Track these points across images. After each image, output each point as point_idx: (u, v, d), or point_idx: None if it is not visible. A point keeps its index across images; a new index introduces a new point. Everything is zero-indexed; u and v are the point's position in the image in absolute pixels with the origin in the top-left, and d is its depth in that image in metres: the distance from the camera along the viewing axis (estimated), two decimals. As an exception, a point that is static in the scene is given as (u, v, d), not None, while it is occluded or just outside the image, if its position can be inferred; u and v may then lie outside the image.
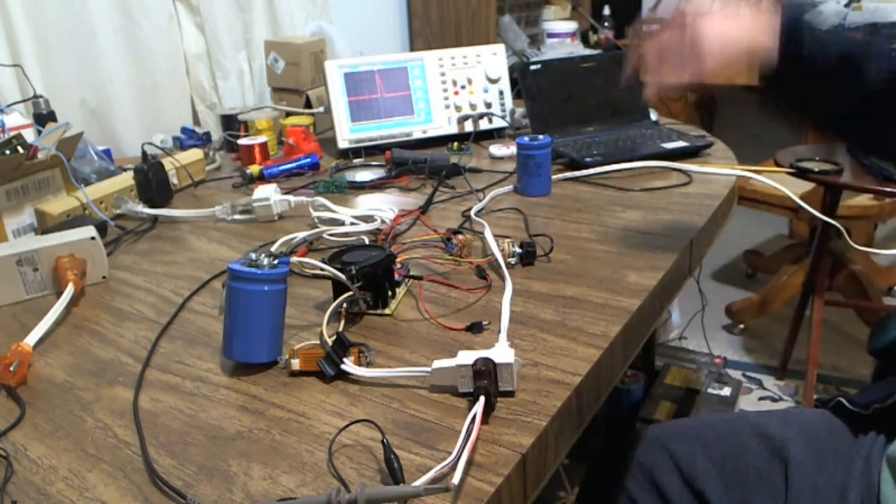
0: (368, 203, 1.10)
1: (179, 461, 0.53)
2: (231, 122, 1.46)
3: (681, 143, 1.22)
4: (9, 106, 1.19)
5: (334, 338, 0.63)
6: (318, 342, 0.64)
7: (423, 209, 1.02)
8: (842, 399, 0.80)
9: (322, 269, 0.69)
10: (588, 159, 1.16)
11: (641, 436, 0.93)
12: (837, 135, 0.76)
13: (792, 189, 1.09)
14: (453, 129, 1.39)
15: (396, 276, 0.76)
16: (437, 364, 0.59)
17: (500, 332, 0.66)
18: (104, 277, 0.88)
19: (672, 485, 0.83)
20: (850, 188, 1.65)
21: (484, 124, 1.41)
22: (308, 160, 1.27)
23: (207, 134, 1.47)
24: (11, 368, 0.65)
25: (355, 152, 1.35)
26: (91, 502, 0.50)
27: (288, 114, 1.51)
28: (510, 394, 0.58)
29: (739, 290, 2.53)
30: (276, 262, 0.65)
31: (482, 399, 0.53)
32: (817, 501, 0.73)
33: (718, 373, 1.93)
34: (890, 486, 0.68)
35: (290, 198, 1.05)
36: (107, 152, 1.28)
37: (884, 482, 0.68)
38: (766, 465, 0.79)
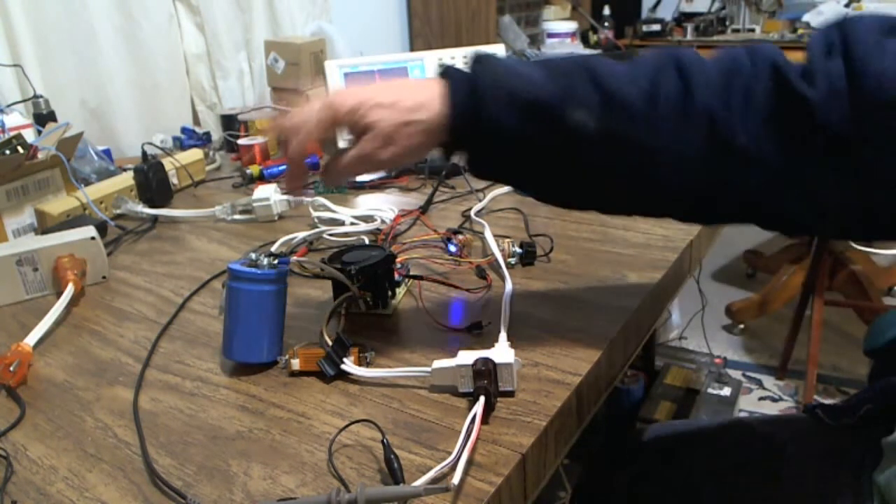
0: (368, 203, 1.10)
1: (179, 461, 0.53)
2: (231, 122, 1.46)
3: (681, 143, 1.22)
4: (9, 106, 1.19)
5: (334, 338, 0.63)
6: (318, 342, 0.64)
7: (423, 209, 1.02)
8: (818, 410, 0.80)
9: (322, 269, 0.69)
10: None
11: (640, 436, 0.93)
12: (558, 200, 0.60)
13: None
14: (453, 129, 1.39)
15: (396, 276, 0.76)
16: (437, 364, 0.59)
17: (500, 332, 0.66)
18: (104, 277, 0.88)
19: (671, 485, 0.83)
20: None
21: (484, 124, 1.41)
22: (308, 160, 1.26)
23: (207, 134, 1.47)
24: (11, 368, 0.64)
25: (355, 152, 1.35)
26: (91, 502, 0.50)
27: (288, 114, 1.50)
28: (510, 394, 0.58)
29: (739, 290, 2.53)
30: (276, 262, 0.65)
31: (482, 399, 0.53)
32: None
33: (718, 373, 1.93)
34: None
35: (291, 198, 1.05)
36: (107, 152, 1.28)
37: None
38: (762, 468, 0.79)
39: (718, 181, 0.50)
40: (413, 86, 0.56)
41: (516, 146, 0.53)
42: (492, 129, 0.52)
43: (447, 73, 0.55)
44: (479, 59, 0.54)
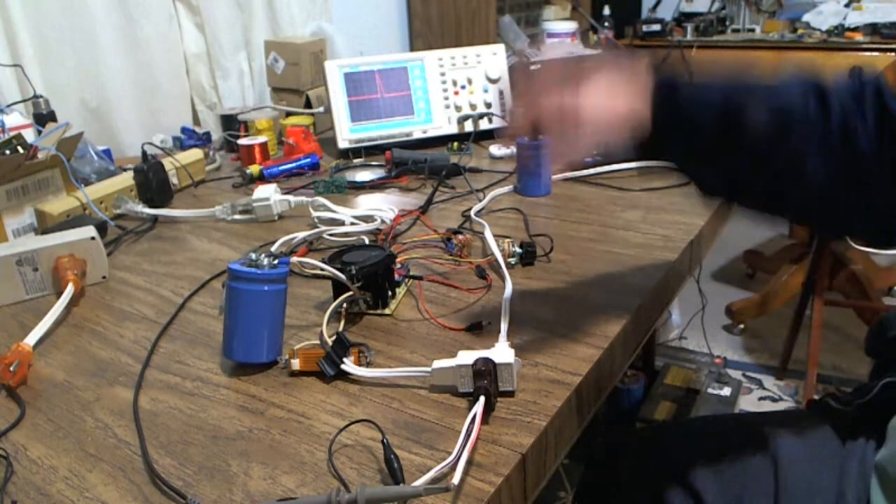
0: (368, 203, 1.10)
1: (179, 461, 0.53)
2: (231, 122, 1.46)
3: (681, 143, 1.22)
4: (9, 106, 1.19)
5: (334, 338, 0.63)
6: (318, 342, 0.64)
7: (423, 209, 1.02)
8: (828, 398, 0.81)
9: (322, 269, 0.69)
10: (588, 159, 1.16)
11: (639, 436, 0.93)
12: (726, 194, 0.68)
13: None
14: (453, 129, 1.39)
15: (396, 276, 0.76)
16: (437, 364, 0.59)
17: (500, 332, 0.66)
18: (104, 277, 0.88)
19: (670, 485, 0.83)
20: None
21: (484, 124, 1.41)
22: (308, 160, 1.27)
23: (207, 134, 1.47)
24: (11, 368, 0.64)
25: (355, 152, 1.35)
26: (91, 502, 0.50)
27: (288, 114, 1.51)
28: (510, 394, 0.58)
29: (739, 290, 2.53)
30: (276, 262, 0.65)
31: (482, 399, 0.53)
32: (812, 502, 0.73)
33: (718, 373, 1.93)
34: (878, 494, 0.68)
35: (290, 198, 1.05)
36: (107, 152, 1.28)
37: (873, 489, 0.69)
38: (760, 466, 0.79)
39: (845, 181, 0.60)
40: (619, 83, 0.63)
41: (696, 137, 0.61)
42: (684, 120, 0.61)
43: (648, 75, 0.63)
44: (661, 69, 0.64)
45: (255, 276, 0.63)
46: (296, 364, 0.63)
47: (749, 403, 1.96)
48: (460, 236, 0.87)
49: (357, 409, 0.58)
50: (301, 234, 0.93)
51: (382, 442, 0.51)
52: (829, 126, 0.58)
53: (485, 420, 0.54)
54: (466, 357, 0.58)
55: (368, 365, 0.63)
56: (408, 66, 1.38)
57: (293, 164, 1.26)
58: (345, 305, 0.71)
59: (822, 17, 2.61)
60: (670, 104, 0.61)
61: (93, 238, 0.86)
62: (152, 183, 1.11)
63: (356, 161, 1.32)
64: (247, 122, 1.43)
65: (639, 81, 0.62)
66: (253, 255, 0.64)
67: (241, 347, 0.64)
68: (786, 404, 1.95)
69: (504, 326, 0.67)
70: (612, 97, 0.62)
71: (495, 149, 1.31)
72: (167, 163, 1.18)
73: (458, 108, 1.40)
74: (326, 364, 0.62)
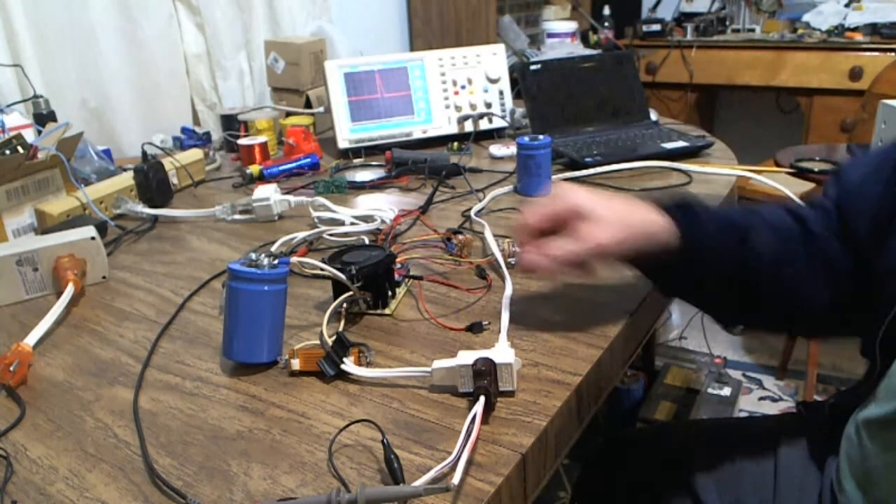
0: (368, 203, 1.10)
1: (179, 461, 0.53)
2: (231, 122, 1.46)
3: (681, 143, 1.22)
4: (9, 106, 1.19)
5: (334, 338, 0.63)
6: (318, 342, 0.64)
7: (423, 209, 1.02)
8: (822, 400, 0.81)
9: (322, 269, 0.69)
10: (588, 159, 1.16)
11: (639, 436, 0.93)
12: (729, 315, 0.73)
13: (792, 189, 1.09)
14: (453, 129, 1.39)
15: (396, 276, 0.76)
16: (437, 364, 0.59)
17: (500, 332, 0.66)
18: (104, 277, 0.88)
19: (669, 486, 0.83)
20: (850, 188, 1.65)
21: (484, 124, 1.41)
22: (308, 160, 1.27)
23: (207, 134, 1.47)
24: (11, 368, 0.64)
25: (355, 152, 1.35)
26: (91, 502, 0.50)
27: (288, 114, 1.51)
28: (510, 394, 0.58)
29: (739, 290, 2.53)
30: (276, 262, 0.65)
31: (482, 399, 0.53)
32: (803, 501, 0.73)
33: (718, 373, 1.93)
34: (848, 478, 0.67)
35: (290, 198, 1.05)
36: (107, 152, 1.28)
37: (843, 472, 0.68)
38: (757, 467, 0.79)
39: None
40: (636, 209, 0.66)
41: (707, 255, 0.65)
42: (696, 239, 0.64)
43: (664, 205, 0.66)
44: (677, 199, 0.67)
45: (255, 276, 0.63)
46: (296, 364, 0.63)
47: (749, 403, 1.96)
48: (460, 236, 0.87)
49: (357, 409, 0.58)
50: (301, 234, 0.93)
51: (382, 442, 0.51)
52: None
53: (485, 420, 0.54)
54: (466, 357, 0.58)
55: (368, 365, 0.63)
56: (408, 66, 1.38)
57: (293, 164, 1.26)
58: (345, 305, 0.71)
59: (822, 17, 2.61)
60: (692, 220, 0.65)
61: (93, 238, 0.86)
62: (152, 183, 1.11)
63: (356, 161, 1.32)
64: (247, 122, 1.43)
65: (650, 203, 0.65)
66: (253, 255, 0.64)
67: (241, 347, 0.64)
68: (786, 404, 1.95)
69: (504, 326, 0.67)
70: (631, 207, 0.64)
71: (495, 149, 1.31)
72: (167, 163, 1.18)
73: (458, 108, 1.40)
74: (326, 364, 0.62)
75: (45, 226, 0.99)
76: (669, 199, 0.66)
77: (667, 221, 0.63)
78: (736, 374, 2.06)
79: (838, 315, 0.69)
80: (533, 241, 0.64)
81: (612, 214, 0.62)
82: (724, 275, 0.67)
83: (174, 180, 1.19)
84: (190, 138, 1.45)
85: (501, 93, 1.43)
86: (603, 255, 0.62)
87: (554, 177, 1.10)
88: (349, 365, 0.61)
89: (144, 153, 1.14)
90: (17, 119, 1.12)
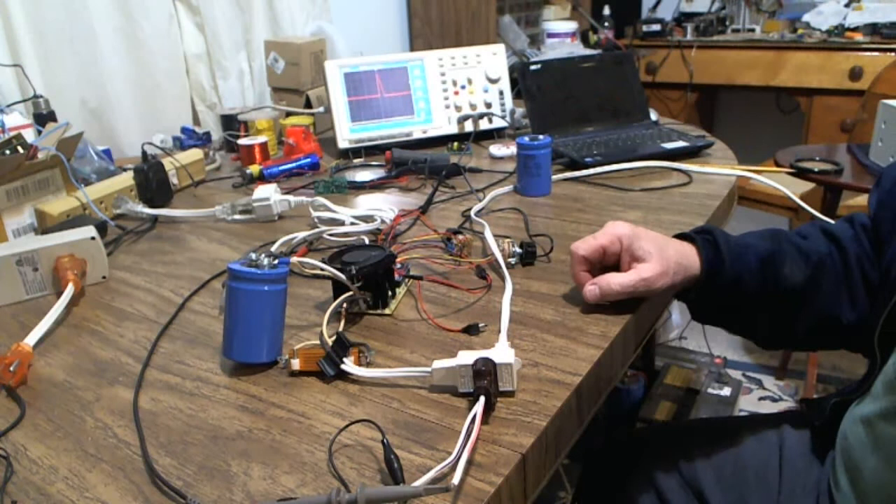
0: (368, 203, 1.10)
1: (179, 461, 0.53)
2: (231, 122, 1.47)
3: (681, 143, 1.22)
4: (9, 106, 1.19)
5: (334, 338, 0.63)
6: (318, 342, 0.64)
7: (423, 209, 1.02)
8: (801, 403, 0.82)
9: (322, 269, 0.69)
10: (588, 159, 1.16)
11: (640, 436, 0.93)
12: (758, 335, 0.77)
13: (792, 189, 1.09)
14: (453, 129, 1.39)
15: (396, 276, 0.76)
16: (437, 364, 0.59)
17: (500, 332, 0.66)
18: (104, 277, 0.88)
19: (671, 485, 0.83)
20: (850, 188, 1.65)
21: (484, 124, 1.41)
22: (308, 160, 1.27)
23: (207, 134, 1.47)
24: (11, 368, 0.64)
25: (355, 152, 1.35)
26: (91, 502, 0.50)
27: (288, 114, 1.51)
28: (510, 394, 0.58)
29: (739, 290, 2.53)
30: (276, 262, 0.65)
31: (482, 399, 0.53)
32: (807, 500, 0.73)
33: (718, 373, 1.93)
34: (843, 473, 0.68)
35: (290, 198, 1.05)
36: (107, 152, 1.28)
37: (838, 467, 0.69)
38: (761, 466, 0.79)
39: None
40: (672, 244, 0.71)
41: (732, 286, 0.70)
42: (730, 276, 0.69)
43: (694, 239, 0.72)
44: (706, 231, 0.73)
45: (255, 276, 0.63)
46: (296, 364, 0.63)
47: (749, 403, 1.96)
48: (460, 236, 0.87)
49: (357, 409, 0.58)
50: (301, 234, 0.93)
51: (382, 442, 0.51)
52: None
53: (485, 420, 0.54)
54: (466, 357, 0.58)
55: (368, 365, 0.63)
56: (408, 66, 1.38)
57: (293, 164, 1.26)
58: (345, 305, 0.71)
59: (822, 17, 2.61)
60: (719, 254, 0.69)
61: (93, 238, 0.86)
62: (152, 183, 1.11)
63: (356, 161, 1.32)
64: (247, 122, 1.43)
65: (684, 238, 0.72)
66: (253, 255, 0.64)
67: (241, 347, 0.64)
68: (786, 404, 1.95)
69: (504, 326, 0.67)
70: (667, 240, 0.70)
71: (495, 149, 1.31)
72: (167, 163, 1.18)
73: (458, 108, 1.40)
74: (326, 364, 0.62)
75: (45, 226, 0.99)
76: (697, 231, 0.72)
77: (695, 252, 0.70)
78: (736, 374, 2.06)
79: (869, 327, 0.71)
80: (584, 270, 0.71)
81: (652, 246, 0.68)
82: (753, 302, 0.72)
83: (174, 180, 1.19)
84: (190, 138, 1.45)
85: (501, 93, 1.43)
86: (649, 288, 0.67)
87: (554, 177, 1.10)
88: (349, 365, 0.61)
89: (144, 153, 1.14)
90: (17, 119, 1.12)
